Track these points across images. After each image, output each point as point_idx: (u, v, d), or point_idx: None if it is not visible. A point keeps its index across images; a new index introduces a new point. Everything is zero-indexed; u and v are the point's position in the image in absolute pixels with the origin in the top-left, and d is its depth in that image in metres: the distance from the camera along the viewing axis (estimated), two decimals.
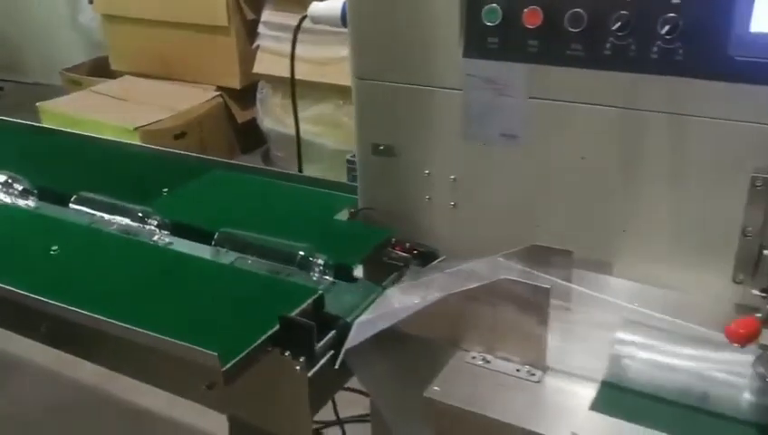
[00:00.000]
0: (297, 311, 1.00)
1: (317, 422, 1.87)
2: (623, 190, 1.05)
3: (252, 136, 3.59)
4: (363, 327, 0.98)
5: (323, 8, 1.24)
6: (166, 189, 1.39)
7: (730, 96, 0.93)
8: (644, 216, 1.05)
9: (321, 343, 0.99)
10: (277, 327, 0.97)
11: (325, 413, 1.78)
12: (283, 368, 0.98)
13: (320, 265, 1.13)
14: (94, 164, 1.59)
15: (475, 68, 1.08)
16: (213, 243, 1.20)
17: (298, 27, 1.43)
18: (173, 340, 0.93)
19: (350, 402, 1.58)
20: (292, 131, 3.27)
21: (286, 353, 0.97)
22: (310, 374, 0.97)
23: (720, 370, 0.85)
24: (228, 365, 0.90)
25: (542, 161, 1.09)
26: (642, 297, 1.01)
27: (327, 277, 1.12)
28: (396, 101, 1.17)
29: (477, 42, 1.06)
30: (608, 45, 0.98)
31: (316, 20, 1.26)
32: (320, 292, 1.04)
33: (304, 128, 3.23)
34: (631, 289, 1.04)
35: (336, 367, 0.97)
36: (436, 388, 0.91)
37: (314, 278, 1.12)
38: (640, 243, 1.06)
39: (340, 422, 1.83)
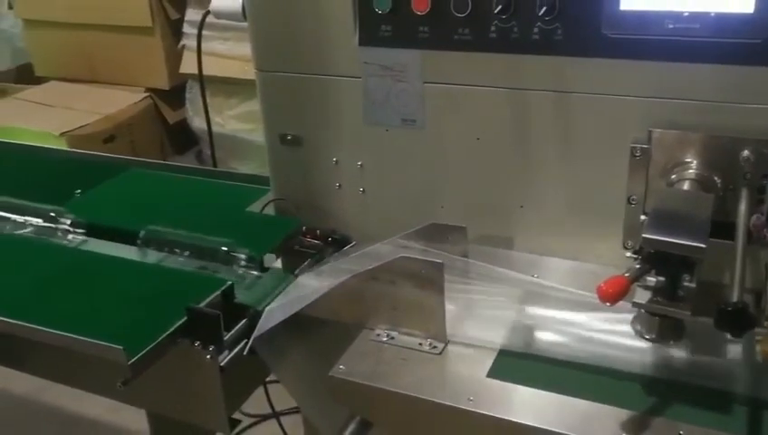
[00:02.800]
0: (206, 301, 1.02)
1: (252, 416, 1.88)
2: (518, 167, 1.09)
3: (184, 137, 3.55)
4: (272, 315, 1.00)
5: (224, 3, 1.25)
6: (79, 191, 1.38)
7: (606, 72, 0.98)
8: (539, 190, 1.09)
9: (232, 332, 1.01)
10: (185, 319, 0.99)
11: (262, 407, 1.80)
12: (194, 359, 0.99)
13: (242, 259, 1.14)
14: (9, 169, 1.57)
15: (371, 56, 1.11)
16: (138, 242, 1.21)
17: (202, 23, 1.44)
18: (77, 336, 0.93)
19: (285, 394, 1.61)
20: (224, 130, 3.28)
21: (196, 344, 0.98)
22: (222, 363, 0.99)
23: (604, 332, 0.90)
24: (134, 359, 0.91)
25: (440, 144, 1.13)
26: (538, 268, 1.06)
27: (252, 271, 1.14)
28: (299, 92, 1.20)
29: (371, 30, 1.09)
30: (492, 29, 1.02)
31: (218, 15, 1.27)
32: (229, 282, 1.06)
33: (235, 125, 3.23)
34: (528, 260, 1.08)
35: (245, 353, 0.99)
36: (341, 367, 0.93)
37: (239, 272, 1.13)
38: (537, 217, 1.11)
39: (276, 415, 1.85)
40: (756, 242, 0.86)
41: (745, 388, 0.84)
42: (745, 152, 0.91)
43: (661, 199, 0.86)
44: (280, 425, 1.85)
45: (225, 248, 1.15)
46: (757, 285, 0.94)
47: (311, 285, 1.06)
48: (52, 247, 1.22)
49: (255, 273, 1.14)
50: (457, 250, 1.01)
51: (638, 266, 0.77)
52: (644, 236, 0.77)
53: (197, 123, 3.39)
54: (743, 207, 0.89)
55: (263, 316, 1.01)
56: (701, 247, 0.75)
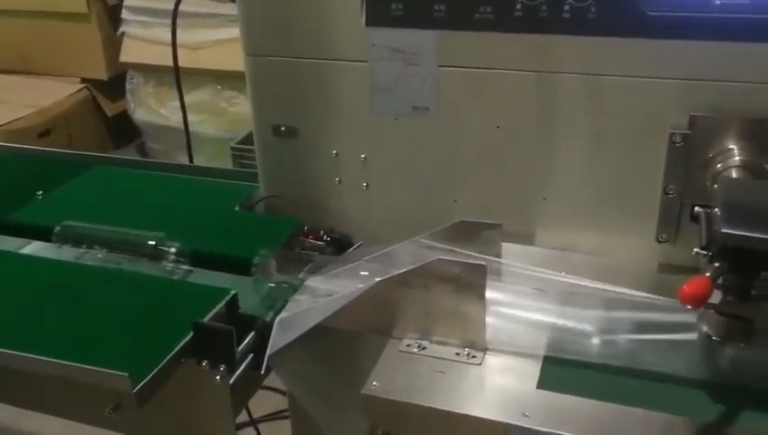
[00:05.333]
0: (210, 315, 0.91)
1: None
2: (541, 157, 1.02)
3: (124, 130, 3.37)
4: (286, 326, 0.90)
5: None
6: (41, 192, 1.23)
7: (644, 53, 0.92)
8: (564, 181, 1.02)
9: (241, 347, 0.90)
10: (191, 335, 0.87)
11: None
12: (200, 379, 0.88)
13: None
14: None
15: (380, 37, 1.01)
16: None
17: (176, 8, 1.31)
18: (75, 364, 0.81)
19: (262, 400, 1.50)
20: (168, 122, 3.12)
21: (203, 363, 0.87)
22: (231, 382, 0.88)
23: (660, 331, 0.83)
24: (140, 385, 0.80)
25: (455, 133, 1.04)
26: (568, 264, 0.99)
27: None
28: (295, 78, 1.09)
29: (381, 8, 0.99)
30: (518, 6, 0.94)
31: None
32: (233, 292, 0.95)
33: (181, 117, 3.07)
34: (556, 257, 1.01)
35: (262, 372, 0.88)
36: (374, 383, 0.84)
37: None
38: (561, 209, 1.04)
39: (254, 423, 1.74)
40: None
41: None
42: None
43: (727, 190, 0.80)
44: (258, 433, 1.75)
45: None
46: None
47: (323, 292, 0.96)
48: (23, 261, 1.08)
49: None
50: (490, 250, 0.93)
51: (716, 265, 0.70)
52: (722, 231, 0.70)
53: (140, 115, 3.22)
54: None
55: (275, 328, 0.90)
56: None
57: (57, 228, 1.10)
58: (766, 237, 0.69)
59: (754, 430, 0.75)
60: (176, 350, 0.85)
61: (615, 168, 0.99)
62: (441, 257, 0.84)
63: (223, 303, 0.93)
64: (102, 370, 0.80)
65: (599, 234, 1.03)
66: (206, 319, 0.90)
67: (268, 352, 0.87)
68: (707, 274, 0.69)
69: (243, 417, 1.72)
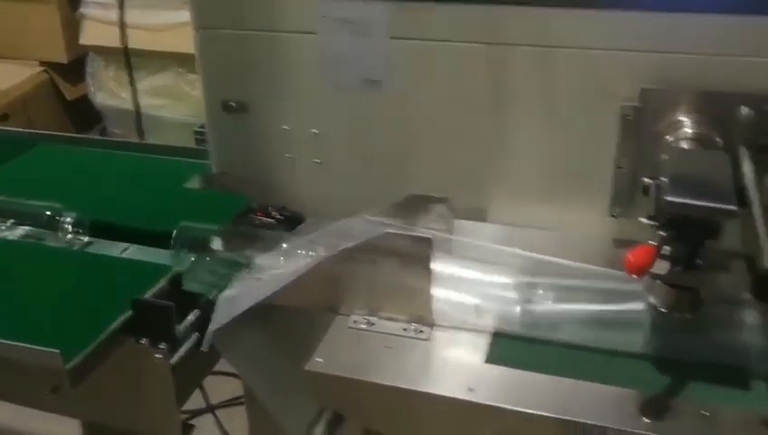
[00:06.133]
0: (152, 292, 0.88)
1: (185, 412, 1.74)
2: (494, 131, 1.00)
3: (85, 114, 3.29)
4: (230, 303, 0.87)
5: None
6: None
7: (596, 23, 0.90)
8: (517, 156, 1.01)
9: (183, 325, 0.87)
10: (129, 313, 0.84)
11: (194, 401, 1.66)
12: (140, 358, 0.85)
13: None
14: None
15: (330, 8, 0.99)
16: None
17: None
18: (5, 341, 0.78)
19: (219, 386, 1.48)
20: (129, 106, 3.05)
21: (142, 341, 0.85)
22: (173, 361, 0.86)
23: (612, 306, 0.82)
24: (73, 363, 0.77)
25: (408, 107, 1.02)
26: (521, 241, 0.98)
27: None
28: (244, 52, 1.06)
29: None
30: None
31: None
32: (175, 269, 0.92)
33: (143, 101, 3.01)
34: (509, 233, 0.99)
35: (204, 349, 0.85)
36: (318, 359, 0.82)
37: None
38: (515, 185, 1.02)
39: (211, 409, 1.71)
40: None
41: (765, 362, 0.78)
42: (744, 109, 0.85)
43: (675, 160, 0.79)
44: (216, 420, 1.72)
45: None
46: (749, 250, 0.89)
47: (268, 269, 0.94)
48: None
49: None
50: (440, 224, 0.91)
51: (662, 234, 0.69)
52: (668, 199, 0.69)
53: (101, 99, 3.14)
54: (747, 167, 0.83)
55: (218, 305, 0.88)
56: (732, 210, 0.68)
57: None
58: (711, 205, 0.68)
59: (703, 402, 0.74)
60: (112, 327, 0.82)
61: (568, 142, 0.97)
62: (388, 231, 0.82)
63: (165, 280, 0.90)
64: (34, 347, 0.77)
65: (553, 210, 1.01)
66: (148, 296, 0.87)
67: (210, 328, 0.85)
68: (652, 242, 0.67)
69: (201, 403, 1.70)
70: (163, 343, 0.84)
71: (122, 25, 1.30)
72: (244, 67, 1.07)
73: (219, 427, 1.71)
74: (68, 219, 1.02)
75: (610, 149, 0.94)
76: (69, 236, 1.01)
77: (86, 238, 1.02)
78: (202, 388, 1.64)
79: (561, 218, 1.00)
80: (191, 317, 0.89)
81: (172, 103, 2.96)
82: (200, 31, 1.07)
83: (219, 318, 0.85)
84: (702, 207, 0.68)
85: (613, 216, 0.96)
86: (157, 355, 0.84)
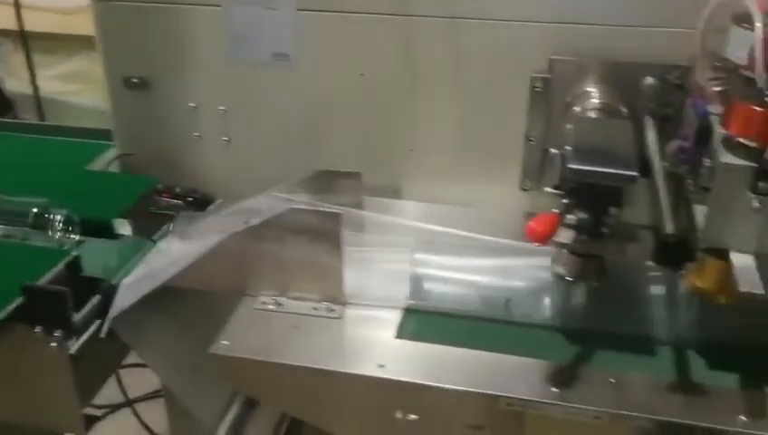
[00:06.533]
0: (48, 277, 0.83)
1: (101, 406, 1.67)
2: (406, 106, 0.98)
3: None
4: (131, 288, 0.83)
5: None
6: None
7: None
8: (430, 131, 0.99)
9: (83, 312, 0.83)
10: (21, 300, 0.79)
11: (113, 395, 1.60)
12: (35, 347, 0.81)
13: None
14: None
15: None
16: None
17: None
18: None
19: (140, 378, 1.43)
20: (42, 92, 2.92)
21: (36, 329, 0.80)
22: (72, 351, 0.81)
23: (519, 277, 0.82)
24: None
25: (318, 81, 0.99)
26: (435, 217, 0.96)
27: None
28: (146, 25, 1.01)
29: None
30: None
31: None
32: (73, 253, 0.87)
33: (56, 87, 2.88)
34: (423, 210, 0.98)
35: (102, 336, 0.81)
36: (224, 342, 0.79)
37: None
38: (428, 161, 1.01)
39: (130, 403, 1.65)
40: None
41: (668, 328, 0.80)
42: (649, 79, 0.86)
43: (580, 129, 0.79)
44: (135, 414, 1.66)
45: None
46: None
47: (175, 252, 0.90)
48: None
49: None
50: (350, 200, 0.89)
51: (565, 201, 0.69)
52: (570, 166, 0.69)
53: (11, 86, 3.00)
54: (651, 136, 0.83)
55: (119, 291, 0.84)
56: (633, 175, 0.68)
57: None
58: (612, 172, 0.68)
59: (610, 369, 0.74)
60: (2, 315, 0.77)
61: (479, 116, 0.97)
62: (293, 207, 0.79)
63: (62, 264, 0.85)
64: None
65: (466, 185, 1.00)
66: (44, 281, 0.82)
67: (110, 314, 0.81)
68: (555, 210, 0.67)
69: (119, 398, 1.64)
70: (58, 331, 0.79)
71: (17, 5, 1.23)
72: (146, 41, 1.02)
73: (139, 421, 1.65)
74: (58, 217, 0.94)
75: (521, 121, 0.94)
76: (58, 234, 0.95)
77: (76, 237, 0.95)
78: (120, 381, 1.59)
79: (476, 194, 1.00)
80: (92, 304, 0.84)
81: (87, 89, 2.84)
82: (96, 3, 1.02)
83: (119, 304, 0.81)
84: (603, 173, 0.68)
85: (525, 189, 0.96)
86: (52, 344, 0.79)
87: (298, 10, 0.95)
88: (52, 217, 0.94)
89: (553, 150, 0.82)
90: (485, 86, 0.95)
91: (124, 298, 0.82)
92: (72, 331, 0.80)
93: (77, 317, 0.82)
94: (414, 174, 1.02)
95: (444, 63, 0.94)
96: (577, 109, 0.88)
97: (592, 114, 0.86)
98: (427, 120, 0.98)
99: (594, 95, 0.88)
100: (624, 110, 0.87)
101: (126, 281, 0.85)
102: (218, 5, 0.97)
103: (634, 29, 0.87)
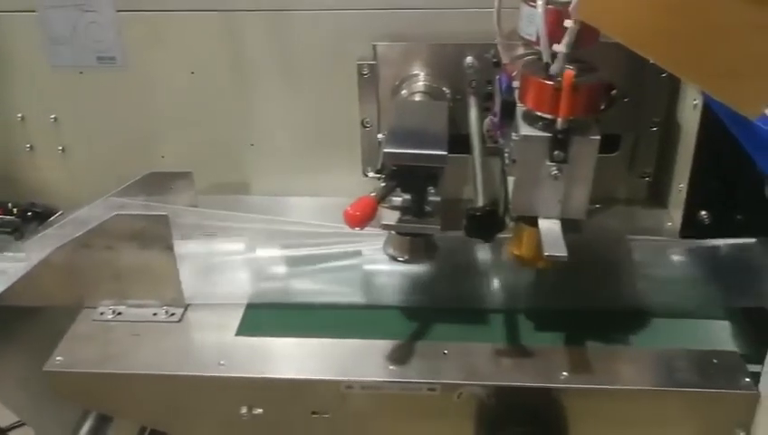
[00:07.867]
0: None
1: None
2: (241, 101, 0.98)
3: None
4: None
5: None
6: None
7: None
8: (267, 125, 0.99)
9: None
10: None
11: None
12: None
13: None
14: None
15: None
16: None
17: None
18: None
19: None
20: None
21: None
22: None
23: (363, 261, 0.84)
24: None
25: (149, 83, 0.97)
26: (279, 209, 0.97)
27: None
28: None
29: None
30: None
31: None
32: None
33: None
34: (267, 204, 0.99)
35: None
36: (58, 359, 0.77)
37: None
38: (270, 154, 1.01)
39: (2, 432, 1.58)
40: (492, 152, 0.83)
41: (498, 299, 0.83)
42: (469, 58, 0.89)
43: (397, 113, 0.81)
44: None
45: None
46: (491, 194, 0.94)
47: (6, 270, 0.86)
48: None
49: None
50: (184, 200, 0.88)
51: (383, 185, 0.70)
52: (385, 151, 0.70)
53: None
54: (473, 114, 0.86)
55: None
56: (442, 155, 0.70)
57: None
58: (421, 152, 0.70)
59: (439, 341, 0.77)
60: None
61: (316, 106, 0.97)
62: (119, 213, 0.77)
63: None
64: None
65: (312, 175, 1.01)
66: None
67: None
68: (372, 193, 0.68)
69: None
70: None
71: None
72: None
73: None
74: None
75: (355, 108, 0.95)
76: None
77: None
78: None
79: (323, 183, 1.00)
80: None
81: None
82: None
83: None
84: (415, 154, 0.70)
85: (366, 175, 0.98)
86: None
87: (117, 11, 0.93)
88: None
89: (380, 135, 0.83)
90: (318, 76, 0.95)
91: None
92: None
93: None
94: (260, 169, 1.02)
95: (273, 56, 0.94)
96: (404, 92, 0.90)
97: (418, 97, 0.89)
98: (264, 113, 0.98)
99: (420, 78, 0.91)
100: (447, 91, 0.89)
101: None
102: (33, 11, 0.93)
103: (453, 11, 0.90)
